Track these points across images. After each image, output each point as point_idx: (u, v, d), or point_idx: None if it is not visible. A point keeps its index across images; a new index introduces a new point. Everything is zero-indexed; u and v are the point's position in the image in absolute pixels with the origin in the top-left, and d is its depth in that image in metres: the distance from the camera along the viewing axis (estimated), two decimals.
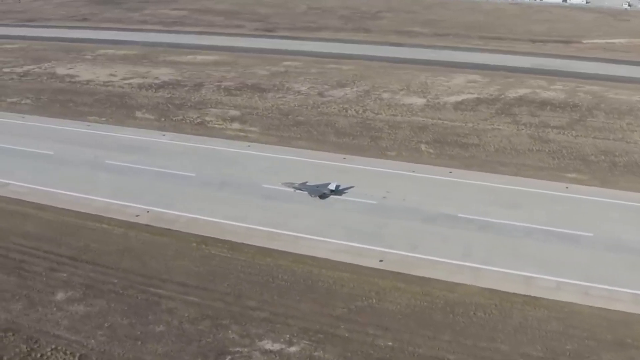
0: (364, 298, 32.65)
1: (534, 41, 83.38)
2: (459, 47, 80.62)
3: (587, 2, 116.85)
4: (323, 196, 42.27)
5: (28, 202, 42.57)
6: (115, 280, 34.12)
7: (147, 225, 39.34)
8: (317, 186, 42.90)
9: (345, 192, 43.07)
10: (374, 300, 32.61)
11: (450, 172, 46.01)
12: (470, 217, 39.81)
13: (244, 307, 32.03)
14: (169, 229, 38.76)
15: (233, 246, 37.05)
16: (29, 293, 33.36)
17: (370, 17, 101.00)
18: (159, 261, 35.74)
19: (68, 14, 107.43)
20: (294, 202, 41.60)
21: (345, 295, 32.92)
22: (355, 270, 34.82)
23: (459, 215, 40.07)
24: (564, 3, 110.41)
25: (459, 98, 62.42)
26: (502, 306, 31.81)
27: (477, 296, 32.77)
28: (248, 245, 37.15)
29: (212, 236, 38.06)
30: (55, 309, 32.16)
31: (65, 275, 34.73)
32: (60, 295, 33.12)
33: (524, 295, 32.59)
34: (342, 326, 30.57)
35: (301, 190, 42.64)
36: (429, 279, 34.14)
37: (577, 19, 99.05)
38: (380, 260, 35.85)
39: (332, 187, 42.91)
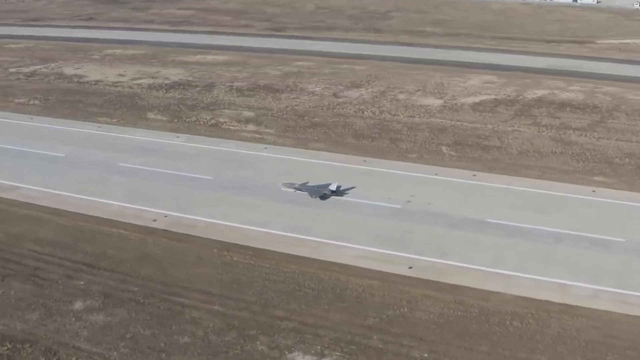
0: (395, 307, 31.34)
1: (547, 41, 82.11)
2: (472, 47, 79.28)
3: (597, 2, 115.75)
4: (324, 197, 41.18)
5: (40, 206, 41.18)
6: (135, 289, 32.71)
7: (165, 230, 37.96)
8: (318, 187, 41.85)
9: (346, 193, 41.91)
10: (406, 309, 31.26)
11: (474, 175, 44.70)
12: (498, 222, 38.46)
13: (272, 317, 30.63)
14: (188, 235, 37.38)
15: (256, 252, 35.62)
16: (45, 302, 31.96)
17: (380, 16, 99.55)
18: (180, 268, 34.39)
19: (73, 14, 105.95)
20: (316, 206, 40.22)
21: (376, 304, 31.64)
22: (385, 277, 33.52)
23: (487, 220, 38.70)
24: (575, 3, 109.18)
25: (477, 99, 61.20)
26: (539, 315, 30.53)
27: (512, 305, 31.47)
28: (271, 251, 35.75)
29: (234, 242, 36.61)
30: (74, 318, 30.70)
31: (82, 283, 33.29)
32: (78, 305, 31.68)
33: (560, 304, 31.30)
34: (375, 337, 29.23)
35: (301, 190, 41.66)
36: (461, 287, 32.81)
37: (589, 19, 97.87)
38: (410, 267, 34.51)
39: (332, 187, 41.75)
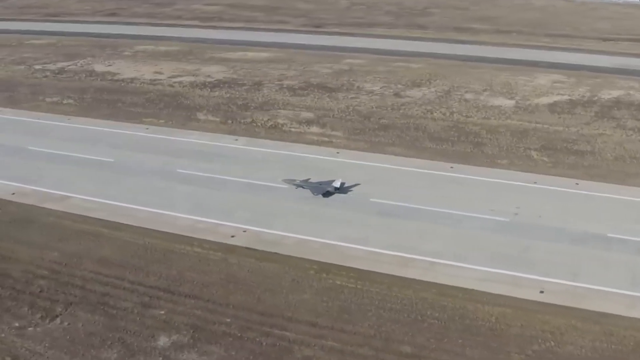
0: (540, 340, 26.27)
1: (603, 39, 76.57)
2: (528, 45, 73.33)
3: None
4: (327, 194, 37.37)
5: (97, 219, 35.88)
6: (228, 320, 27.65)
7: (248, 248, 32.84)
8: (321, 183, 38.18)
9: (350, 190, 37.95)
10: (553, 343, 26.16)
11: (577, 184, 39.60)
12: (623, 237, 33.48)
13: (399, 355, 25.63)
14: (276, 254, 32.27)
15: (360, 275, 30.62)
16: (122, 337, 26.81)
17: (419, 13, 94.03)
18: (276, 294, 29.32)
19: (93, 9, 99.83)
20: (415, 219, 35.15)
21: (515, 337, 26.50)
22: (516, 304, 28.51)
23: (609, 235, 33.67)
24: (617, 0, 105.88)
25: (551, 100, 55.72)
26: None
27: None
28: (378, 273, 30.74)
29: (331, 262, 31.58)
30: (161, 358, 25.46)
31: (163, 313, 28.20)
32: (163, 340, 26.47)
33: None
34: None
35: (303, 187, 37.89)
36: (606, 315, 27.82)
37: (638, 16, 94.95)
38: (541, 292, 29.55)
39: (336, 184, 37.84)
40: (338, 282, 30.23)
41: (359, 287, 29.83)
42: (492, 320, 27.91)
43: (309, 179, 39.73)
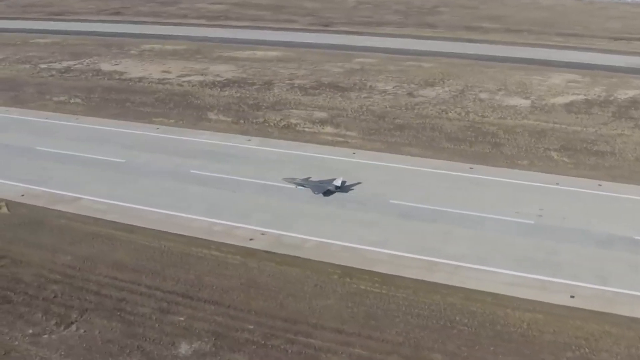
0: (573, 347, 25.47)
1: (615, 39, 75.61)
2: (539, 44, 72.13)
3: None
4: (327, 193, 36.62)
5: (109, 221, 34.90)
6: (251, 327, 26.69)
7: (267, 252, 31.83)
8: (321, 182, 37.44)
9: (351, 189, 37.21)
10: (587, 350, 25.36)
11: (600, 185, 38.65)
12: None
13: None
14: (297, 257, 31.30)
15: (385, 279, 29.70)
16: (141, 344, 25.86)
17: (428, 12, 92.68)
18: (299, 300, 28.38)
19: (97, 8, 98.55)
20: (437, 221, 34.22)
21: (549, 344, 25.66)
22: (547, 309, 27.67)
23: (636, 237, 32.80)
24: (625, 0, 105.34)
25: (566, 99, 54.67)
26: None
27: None
28: (403, 278, 29.81)
29: (354, 266, 30.63)
30: None
31: (182, 319, 27.21)
32: (184, 348, 25.56)
33: None
34: None
35: (303, 186, 37.18)
36: (639, 320, 27.27)
37: None
38: (572, 297, 28.69)
39: (337, 183, 37.18)
40: (362, 287, 29.31)
41: (384, 292, 28.89)
42: (524, 327, 27.02)
43: (310, 177, 38.93)
